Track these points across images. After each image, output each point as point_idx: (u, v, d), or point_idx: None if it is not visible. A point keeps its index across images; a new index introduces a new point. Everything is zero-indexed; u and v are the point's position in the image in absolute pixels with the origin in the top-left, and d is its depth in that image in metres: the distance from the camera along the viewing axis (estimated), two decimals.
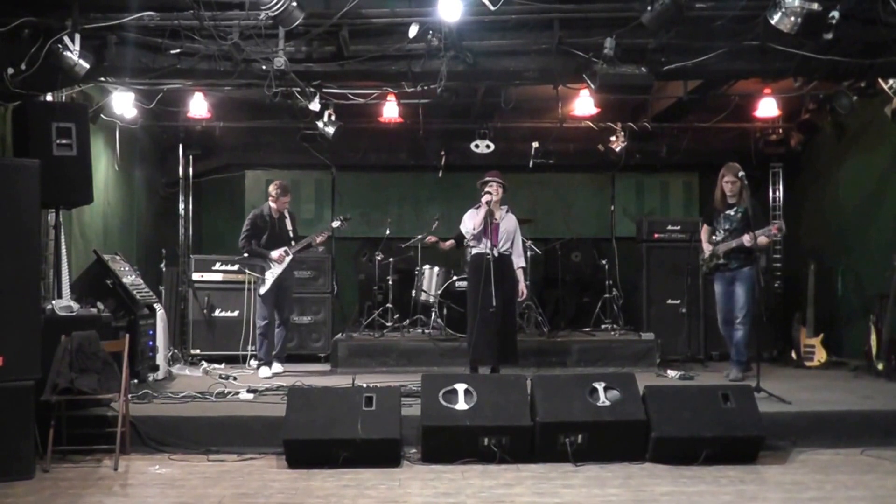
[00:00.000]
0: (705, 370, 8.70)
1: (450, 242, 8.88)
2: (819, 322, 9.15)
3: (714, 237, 7.62)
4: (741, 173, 7.31)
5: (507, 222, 7.65)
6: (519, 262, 7.72)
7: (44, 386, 5.52)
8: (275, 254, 8.24)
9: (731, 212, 7.50)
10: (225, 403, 6.71)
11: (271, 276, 8.25)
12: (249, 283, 9.27)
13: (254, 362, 9.02)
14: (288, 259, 8.31)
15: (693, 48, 6.44)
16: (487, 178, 7.58)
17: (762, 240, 7.23)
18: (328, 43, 6.49)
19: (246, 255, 8.40)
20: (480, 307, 7.24)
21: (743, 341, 7.49)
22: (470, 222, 7.60)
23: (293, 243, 8.38)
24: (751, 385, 6.36)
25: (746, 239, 7.20)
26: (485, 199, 7.47)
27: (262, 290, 8.32)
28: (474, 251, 7.63)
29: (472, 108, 9.62)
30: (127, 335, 6.21)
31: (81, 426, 5.81)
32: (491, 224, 7.46)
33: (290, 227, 8.46)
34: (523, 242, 8.04)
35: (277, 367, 8.41)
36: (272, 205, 8.38)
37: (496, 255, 7.41)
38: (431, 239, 9.42)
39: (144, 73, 6.59)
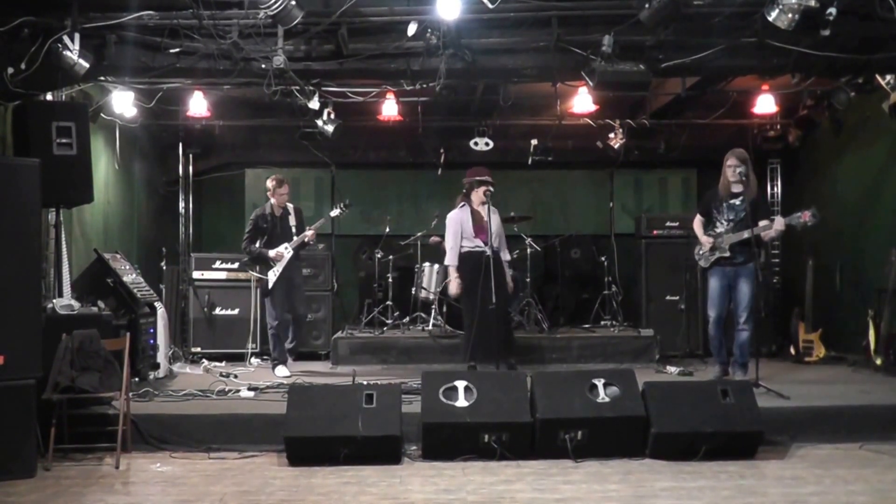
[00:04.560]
0: (704, 366, 8.72)
1: None
2: (818, 317, 9.17)
3: (714, 228, 7.18)
4: (745, 164, 6.94)
5: (494, 218, 7.70)
6: (506, 255, 7.85)
7: (45, 384, 5.54)
8: (272, 252, 8.18)
9: (737, 202, 7.02)
10: (226, 401, 6.73)
11: (273, 274, 8.19)
12: (250, 281, 9.28)
13: (255, 360, 9.06)
14: (288, 255, 8.23)
15: (691, 45, 6.45)
16: (487, 179, 7.64)
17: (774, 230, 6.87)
18: (327, 41, 6.50)
19: (247, 257, 8.38)
20: (481, 305, 7.29)
21: (748, 342, 7.08)
22: (461, 224, 7.64)
23: (295, 239, 8.31)
24: (749, 380, 6.39)
25: (778, 223, 6.79)
26: (485, 192, 7.57)
27: (267, 290, 8.27)
28: (466, 249, 7.67)
29: (470, 105, 9.63)
30: (128, 333, 6.21)
31: (83, 424, 5.83)
32: (481, 223, 7.56)
33: (293, 223, 8.39)
34: (523, 238, 8.15)
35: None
36: (273, 200, 8.34)
37: (489, 252, 7.45)
38: (436, 239, 9.46)
39: (144, 72, 6.60)
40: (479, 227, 7.57)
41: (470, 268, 7.56)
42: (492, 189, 7.57)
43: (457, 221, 7.70)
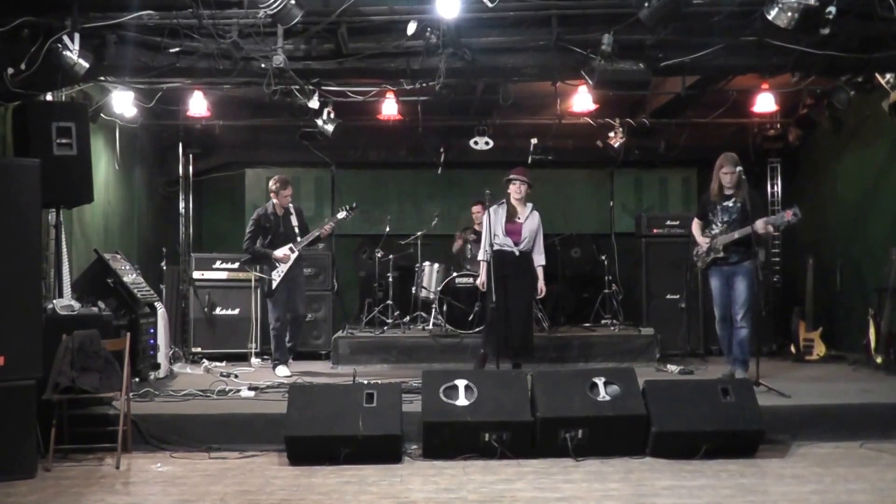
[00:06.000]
0: (705, 365, 8.72)
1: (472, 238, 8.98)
2: (818, 316, 9.18)
3: (710, 230, 7.25)
4: (739, 166, 7.05)
5: (531, 221, 7.68)
6: (539, 259, 7.75)
7: (45, 385, 5.53)
8: (278, 253, 8.10)
9: (730, 203, 7.11)
10: (226, 401, 6.73)
11: (278, 275, 8.10)
12: (250, 281, 9.27)
13: (255, 360, 9.05)
14: (293, 256, 8.14)
15: (690, 44, 6.45)
16: (511, 176, 7.69)
17: (769, 228, 6.91)
18: (327, 41, 6.50)
19: (249, 256, 8.31)
20: (484, 303, 7.39)
21: (747, 340, 7.09)
22: (492, 221, 7.64)
23: (299, 240, 8.21)
24: (750, 379, 6.39)
25: (759, 225, 6.81)
26: (515, 189, 7.67)
27: (270, 291, 8.21)
28: (494, 247, 7.65)
29: (470, 104, 9.64)
30: (128, 334, 6.21)
31: (83, 425, 5.84)
32: (514, 222, 7.58)
33: (295, 223, 8.29)
34: None
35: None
36: (275, 201, 8.24)
37: (517, 252, 7.52)
38: (458, 243, 9.56)
39: (144, 72, 6.59)
40: (511, 226, 7.59)
41: (492, 266, 7.54)
42: (516, 183, 7.62)
43: (490, 217, 7.65)
